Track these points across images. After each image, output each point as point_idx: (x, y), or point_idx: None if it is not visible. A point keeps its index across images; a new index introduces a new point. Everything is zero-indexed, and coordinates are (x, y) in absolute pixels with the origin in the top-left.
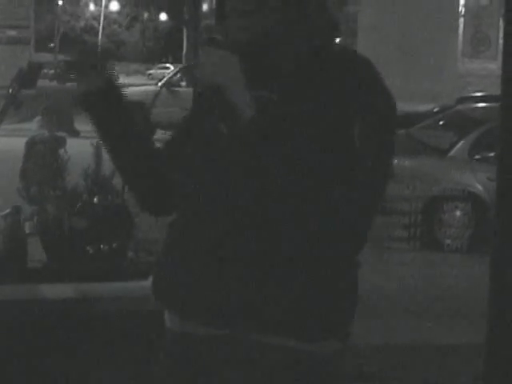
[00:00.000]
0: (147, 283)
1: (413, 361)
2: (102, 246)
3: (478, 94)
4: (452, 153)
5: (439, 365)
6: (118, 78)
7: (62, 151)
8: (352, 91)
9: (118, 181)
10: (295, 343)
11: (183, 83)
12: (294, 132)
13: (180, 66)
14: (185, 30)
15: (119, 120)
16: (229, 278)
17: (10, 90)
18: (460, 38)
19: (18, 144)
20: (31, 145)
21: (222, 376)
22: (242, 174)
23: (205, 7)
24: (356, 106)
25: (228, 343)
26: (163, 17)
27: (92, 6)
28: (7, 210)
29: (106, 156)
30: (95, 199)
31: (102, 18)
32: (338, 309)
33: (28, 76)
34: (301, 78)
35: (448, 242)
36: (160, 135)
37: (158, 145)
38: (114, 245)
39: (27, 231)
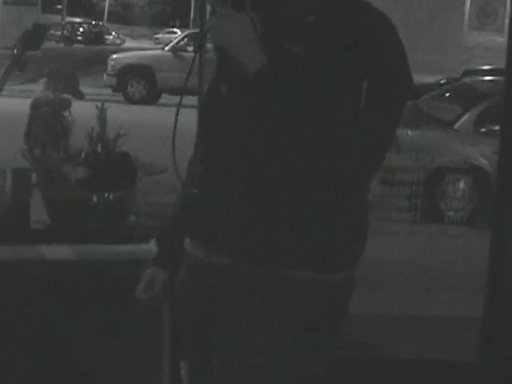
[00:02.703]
0: (148, 247)
1: (409, 331)
2: (106, 195)
3: (485, 67)
4: (457, 125)
5: (436, 336)
6: (125, 41)
7: (66, 113)
8: (365, 50)
9: (122, 144)
10: (316, 275)
11: (190, 48)
12: (304, 83)
13: (187, 30)
14: None
15: None
16: (257, 215)
17: (15, 51)
18: (467, 10)
19: (24, 105)
20: (36, 106)
21: (248, 302)
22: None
23: None
24: (368, 65)
25: (251, 274)
26: None
27: None
28: (11, 171)
29: (110, 119)
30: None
31: None
32: (352, 246)
33: (33, 37)
34: (319, 30)
35: (450, 214)
36: (166, 100)
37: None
38: (119, 194)
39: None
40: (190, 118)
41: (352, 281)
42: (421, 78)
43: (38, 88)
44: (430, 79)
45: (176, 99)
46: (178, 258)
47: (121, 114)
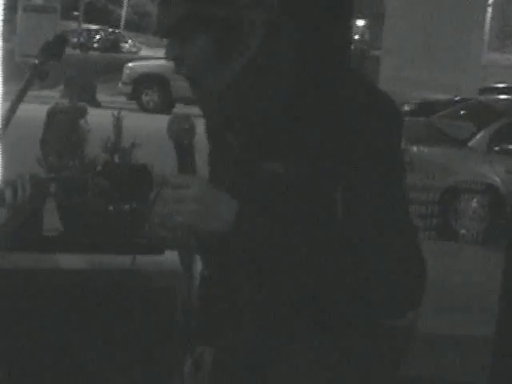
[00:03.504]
0: (161, 258)
1: (421, 350)
2: (123, 205)
3: (501, 86)
4: (471, 143)
5: (448, 355)
6: (141, 49)
7: (82, 122)
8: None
9: (137, 153)
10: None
11: None
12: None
13: None
14: None
15: None
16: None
17: (36, 61)
18: (486, 30)
19: (40, 111)
20: (52, 114)
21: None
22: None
23: None
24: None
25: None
26: None
27: None
28: (26, 178)
29: (126, 128)
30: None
31: None
32: (412, 290)
33: (54, 48)
34: (296, 144)
35: (463, 232)
36: (180, 108)
37: None
38: (134, 204)
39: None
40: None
41: (416, 324)
42: (435, 95)
43: (55, 95)
44: (444, 96)
45: (190, 109)
46: (220, 330)
47: (136, 122)
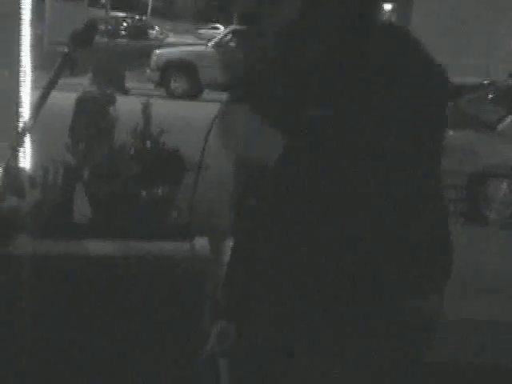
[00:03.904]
0: (188, 245)
1: (450, 335)
2: (155, 190)
3: None
4: (500, 127)
5: (476, 340)
6: (168, 36)
7: (111, 109)
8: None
9: (165, 139)
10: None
11: (233, 44)
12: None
13: (230, 26)
14: None
15: None
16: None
17: (66, 50)
18: None
19: (69, 98)
20: (81, 101)
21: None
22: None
23: None
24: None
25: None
26: None
27: None
28: (58, 164)
29: (154, 114)
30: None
31: None
32: (440, 272)
33: (84, 36)
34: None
35: (492, 216)
36: (207, 95)
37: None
38: (167, 189)
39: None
40: None
41: (441, 306)
42: (464, 79)
43: (84, 82)
44: (472, 80)
45: (218, 95)
46: (246, 307)
47: (164, 108)
